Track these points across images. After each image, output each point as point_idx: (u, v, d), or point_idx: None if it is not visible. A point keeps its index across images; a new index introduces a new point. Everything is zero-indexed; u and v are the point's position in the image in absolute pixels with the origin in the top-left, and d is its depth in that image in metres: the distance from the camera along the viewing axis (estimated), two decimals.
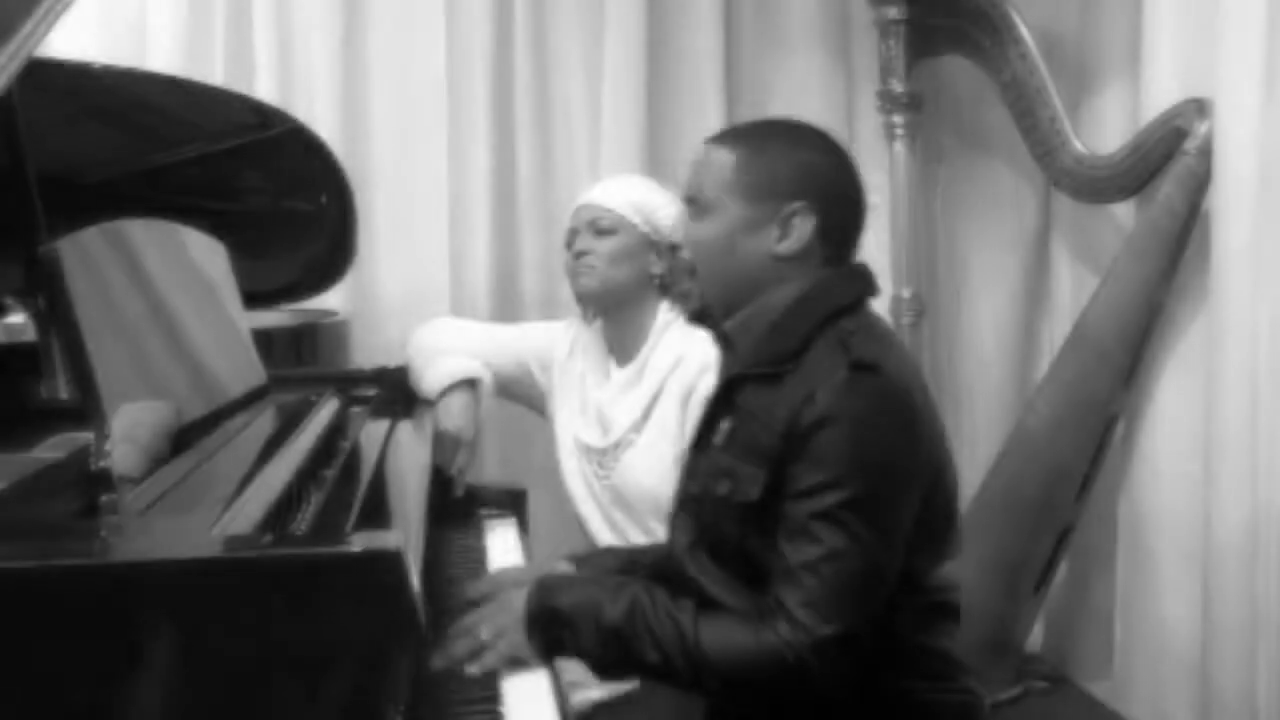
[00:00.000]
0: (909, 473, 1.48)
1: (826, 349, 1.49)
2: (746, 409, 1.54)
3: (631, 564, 1.76)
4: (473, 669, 1.46)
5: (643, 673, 1.52)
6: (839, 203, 1.59)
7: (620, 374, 2.28)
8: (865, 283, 1.61)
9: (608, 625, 1.47)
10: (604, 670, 1.54)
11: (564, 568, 1.74)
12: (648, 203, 2.25)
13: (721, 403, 1.60)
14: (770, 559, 1.46)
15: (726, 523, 1.53)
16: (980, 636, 1.60)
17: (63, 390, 1.43)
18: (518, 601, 1.52)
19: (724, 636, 1.45)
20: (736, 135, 1.65)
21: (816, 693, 1.42)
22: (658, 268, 2.27)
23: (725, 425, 1.57)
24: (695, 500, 1.62)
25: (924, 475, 1.50)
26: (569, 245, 2.30)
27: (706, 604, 1.55)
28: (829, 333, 1.51)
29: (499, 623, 1.51)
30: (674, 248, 2.26)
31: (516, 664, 1.49)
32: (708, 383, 2.14)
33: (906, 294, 3.12)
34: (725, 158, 1.59)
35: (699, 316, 1.67)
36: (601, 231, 2.24)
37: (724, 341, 1.64)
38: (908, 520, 1.48)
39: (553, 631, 1.50)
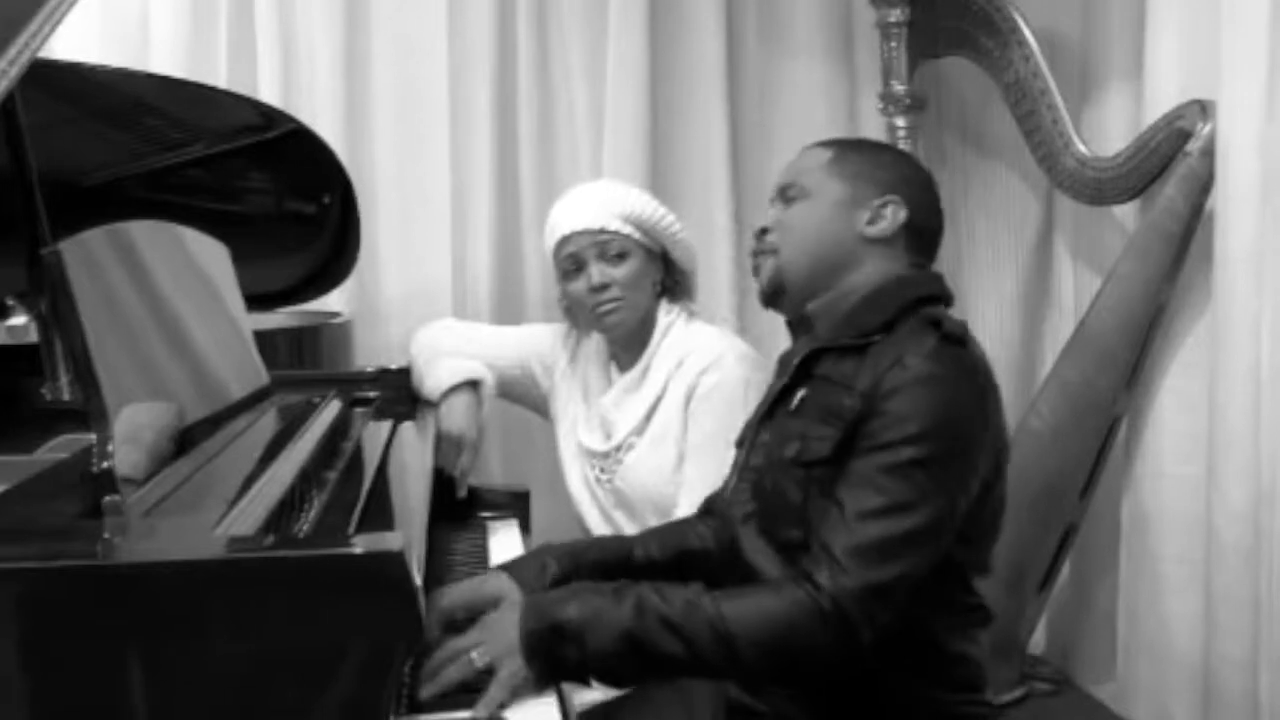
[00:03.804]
0: (982, 443, 1.50)
1: (915, 325, 1.54)
2: (826, 377, 1.57)
3: (574, 565, 1.67)
4: (479, 712, 1.34)
5: (665, 670, 1.44)
6: (927, 211, 1.67)
7: (623, 379, 2.27)
8: (944, 287, 1.67)
9: (619, 629, 1.40)
10: (619, 679, 1.47)
11: (501, 579, 1.62)
12: (639, 211, 2.22)
13: (796, 377, 1.63)
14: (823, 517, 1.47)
15: (790, 485, 1.54)
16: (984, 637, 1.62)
17: (66, 392, 1.43)
18: (508, 623, 1.42)
19: (747, 602, 1.42)
20: (834, 139, 1.76)
21: (853, 645, 1.39)
22: (660, 274, 2.26)
23: (799, 394, 1.61)
24: (756, 471, 1.63)
25: (993, 454, 1.52)
26: (569, 274, 2.23)
27: (746, 574, 1.56)
28: (916, 315, 1.56)
29: (493, 650, 1.40)
30: (665, 253, 2.26)
31: (518, 694, 1.38)
32: (709, 383, 2.14)
33: None
34: (823, 153, 1.70)
35: (771, 299, 1.70)
36: (612, 257, 2.20)
37: (802, 324, 1.68)
38: (974, 491, 1.49)
39: (556, 650, 1.41)
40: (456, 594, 1.62)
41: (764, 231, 1.71)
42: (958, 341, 1.51)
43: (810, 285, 1.65)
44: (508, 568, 1.67)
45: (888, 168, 1.67)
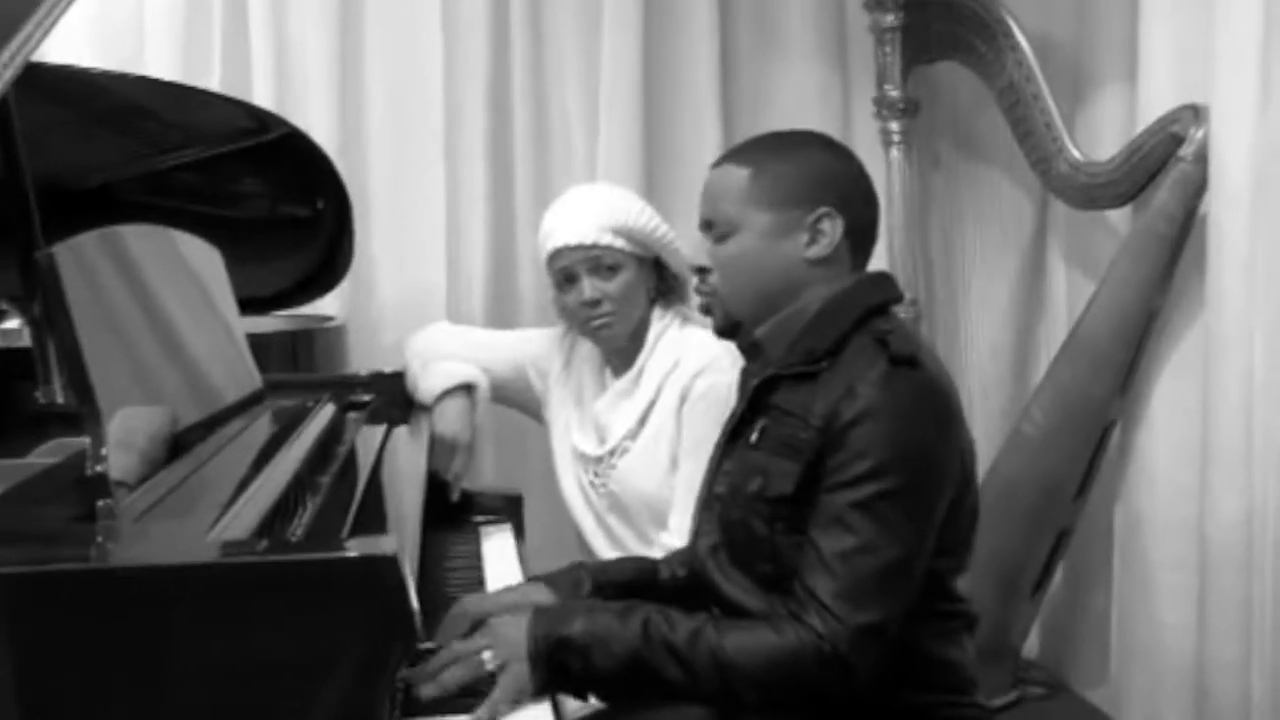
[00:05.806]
0: (945, 466, 1.48)
1: (863, 345, 1.50)
2: (781, 407, 1.54)
3: (604, 581, 1.70)
4: (480, 714, 1.36)
5: (663, 693, 1.45)
6: (859, 204, 1.60)
7: (616, 383, 2.27)
8: (891, 288, 1.62)
9: (624, 648, 1.42)
10: (617, 697, 1.49)
11: (539, 589, 1.66)
12: (631, 223, 2.19)
13: (753, 405, 1.59)
14: (799, 556, 1.46)
15: (755, 520, 1.52)
16: (977, 641, 1.62)
17: (59, 395, 1.43)
18: (515, 632, 1.43)
19: (749, 638, 1.43)
20: (743, 152, 1.64)
21: (851, 686, 1.40)
22: (653, 280, 2.26)
23: (758, 425, 1.57)
24: (720, 500, 1.61)
25: (958, 470, 1.51)
26: (561, 286, 2.22)
27: (724, 607, 1.55)
28: (864, 331, 1.52)
29: (499, 656, 1.42)
30: (658, 258, 2.25)
31: (519, 701, 1.40)
32: (703, 386, 2.14)
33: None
34: (738, 174, 1.59)
35: (726, 332, 1.65)
36: (605, 271, 2.18)
37: (753, 349, 1.64)
38: (941, 514, 1.48)
39: (560, 661, 1.42)
40: (490, 601, 1.63)
41: (703, 270, 1.63)
42: (907, 362, 1.47)
43: (760, 316, 1.60)
44: (547, 579, 1.69)
45: (810, 173, 1.57)
